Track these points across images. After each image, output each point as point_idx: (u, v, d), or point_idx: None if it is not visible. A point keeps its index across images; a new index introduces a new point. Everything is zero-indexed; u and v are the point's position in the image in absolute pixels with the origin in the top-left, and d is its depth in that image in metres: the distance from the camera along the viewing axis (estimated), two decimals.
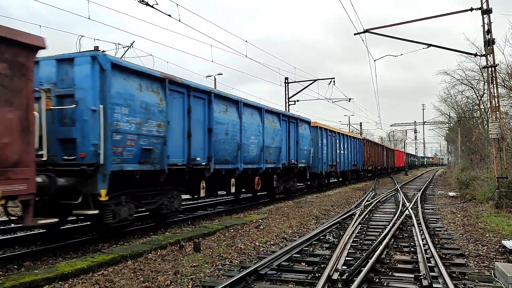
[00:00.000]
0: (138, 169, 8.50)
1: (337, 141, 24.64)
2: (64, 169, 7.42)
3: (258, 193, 16.40)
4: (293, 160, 17.05)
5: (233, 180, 12.82)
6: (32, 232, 9.20)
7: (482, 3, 14.11)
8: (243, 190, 15.16)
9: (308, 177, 19.56)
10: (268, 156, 14.66)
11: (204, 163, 10.86)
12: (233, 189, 12.96)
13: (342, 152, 25.58)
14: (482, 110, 30.30)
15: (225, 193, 13.23)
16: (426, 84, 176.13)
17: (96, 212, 7.55)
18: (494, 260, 6.76)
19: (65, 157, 7.59)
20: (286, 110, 29.98)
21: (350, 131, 49.34)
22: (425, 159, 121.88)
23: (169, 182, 9.75)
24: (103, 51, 7.98)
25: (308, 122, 19.37)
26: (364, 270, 5.60)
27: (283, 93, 33.42)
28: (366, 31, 16.14)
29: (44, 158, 7.02)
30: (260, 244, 8.13)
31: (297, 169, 17.62)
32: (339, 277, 5.48)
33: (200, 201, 14.34)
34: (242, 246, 7.82)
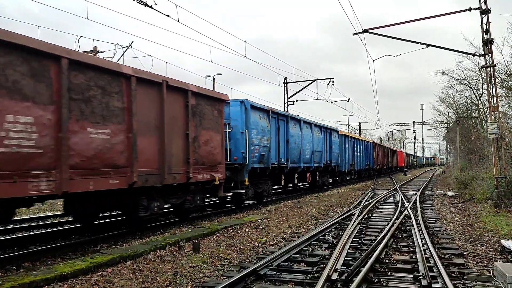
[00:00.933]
0: (258, 167, 14.09)
1: (355, 145, 30.05)
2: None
3: (297, 186, 21.03)
4: (328, 161, 22.74)
5: (296, 175, 18.55)
6: (32, 233, 9.21)
7: (480, 3, 14.12)
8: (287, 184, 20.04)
9: (337, 174, 25.28)
10: (315, 158, 20.15)
11: (285, 163, 16.34)
12: (296, 181, 18.82)
13: (358, 154, 31.00)
14: (481, 110, 30.34)
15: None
16: (423, 84, 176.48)
17: (243, 191, 12.95)
18: (493, 259, 6.76)
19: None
20: (285, 110, 30.03)
21: (349, 131, 49.59)
22: (427, 159, 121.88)
23: (267, 176, 15.27)
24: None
25: (337, 131, 25.35)
26: (363, 270, 5.60)
27: (281, 93, 34.06)
28: (365, 31, 16.14)
29: (228, 160, 12.47)
30: (259, 245, 8.13)
31: (331, 168, 23.54)
32: (338, 277, 5.48)
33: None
34: (241, 247, 7.81)
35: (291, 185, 19.67)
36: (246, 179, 13.08)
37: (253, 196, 14.44)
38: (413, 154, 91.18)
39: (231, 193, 12.93)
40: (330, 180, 25.21)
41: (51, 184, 6.46)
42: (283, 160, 16.17)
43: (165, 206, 9.73)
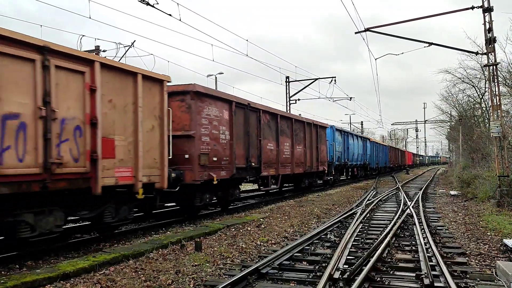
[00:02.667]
0: (337, 164, 24.47)
1: (378, 148, 41.11)
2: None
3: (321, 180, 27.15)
4: (364, 160, 32.92)
5: (350, 169, 30.02)
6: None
7: (483, 2, 14.07)
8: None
9: (368, 170, 35.80)
10: (359, 158, 30.73)
11: (347, 162, 26.88)
12: (349, 173, 30.85)
13: (380, 155, 41.68)
14: (484, 108, 30.28)
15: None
16: (423, 83, 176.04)
17: (331, 177, 23.39)
18: (495, 259, 6.75)
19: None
20: (287, 109, 30.02)
21: (352, 130, 49.87)
22: (432, 158, 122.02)
23: (338, 169, 25.79)
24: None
25: (369, 139, 36.75)
26: (366, 269, 5.59)
27: (283, 91, 34.35)
28: (367, 29, 16.11)
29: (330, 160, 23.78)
30: (262, 243, 8.13)
31: (365, 165, 33.73)
32: (340, 276, 5.47)
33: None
34: (243, 245, 7.82)
35: (348, 175, 31.49)
36: (333, 171, 23.58)
37: (333, 181, 24.16)
38: (419, 154, 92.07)
39: (326, 179, 22.64)
40: (363, 174, 34.98)
41: (289, 169, 16.34)
42: (346, 160, 26.81)
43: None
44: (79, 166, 6.95)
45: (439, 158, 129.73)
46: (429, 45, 15.66)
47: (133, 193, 8.19)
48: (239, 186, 13.52)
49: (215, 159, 11.06)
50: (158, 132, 8.74)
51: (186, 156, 10.24)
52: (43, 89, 6.29)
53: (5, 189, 5.82)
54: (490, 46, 14.18)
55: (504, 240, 7.68)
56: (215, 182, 10.89)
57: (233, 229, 9.44)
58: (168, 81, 9.17)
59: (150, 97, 8.57)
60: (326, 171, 21.23)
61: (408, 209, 12.33)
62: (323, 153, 20.76)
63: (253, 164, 13.13)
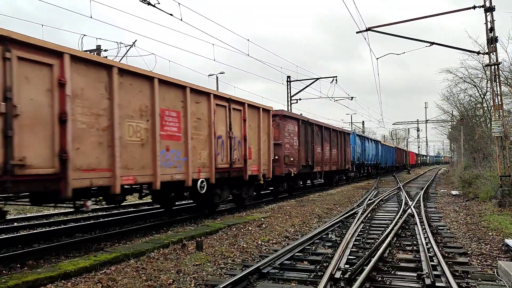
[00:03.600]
0: (357, 163, 29.93)
1: (387, 150, 46.11)
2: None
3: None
4: (376, 160, 37.77)
5: (365, 168, 34.54)
6: (36, 231, 9.26)
7: (484, 1, 14.04)
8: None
9: (379, 168, 40.78)
10: (372, 158, 35.56)
11: (364, 162, 32.32)
12: (365, 171, 35.42)
13: (388, 155, 46.61)
14: (485, 108, 30.21)
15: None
16: (423, 82, 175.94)
17: (353, 174, 29.10)
18: (497, 258, 6.73)
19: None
20: (288, 108, 30.02)
21: (353, 129, 50.10)
22: (436, 157, 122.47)
23: (357, 167, 31.22)
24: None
25: (379, 141, 42.47)
26: (367, 269, 5.59)
27: (284, 91, 34.97)
28: (368, 29, 16.09)
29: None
30: (263, 243, 8.13)
31: (376, 164, 38.43)
32: (341, 276, 5.47)
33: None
34: (244, 245, 7.82)
35: (364, 173, 35.92)
36: (354, 169, 28.65)
37: (353, 177, 29.21)
38: (422, 154, 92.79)
39: (350, 175, 27.59)
40: (375, 172, 39.96)
41: (328, 167, 21.70)
42: (363, 160, 31.82)
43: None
44: (240, 163, 12.07)
45: (442, 158, 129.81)
46: (430, 45, 15.62)
47: (256, 180, 13.25)
48: (300, 178, 18.74)
49: (292, 159, 16.25)
50: (267, 143, 13.86)
51: (276, 157, 15.01)
52: (229, 122, 11.43)
53: (218, 175, 10.85)
54: (491, 45, 14.15)
55: (505, 240, 7.66)
56: (292, 175, 16.31)
57: (234, 229, 9.44)
58: (272, 110, 14.20)
59: (264, 121, 13.59)
60: (350, 169, 27.11)
61: (410, 209, 12.31)
62: (348, 154, 26.38)
63: (309, 163, 18.73)
